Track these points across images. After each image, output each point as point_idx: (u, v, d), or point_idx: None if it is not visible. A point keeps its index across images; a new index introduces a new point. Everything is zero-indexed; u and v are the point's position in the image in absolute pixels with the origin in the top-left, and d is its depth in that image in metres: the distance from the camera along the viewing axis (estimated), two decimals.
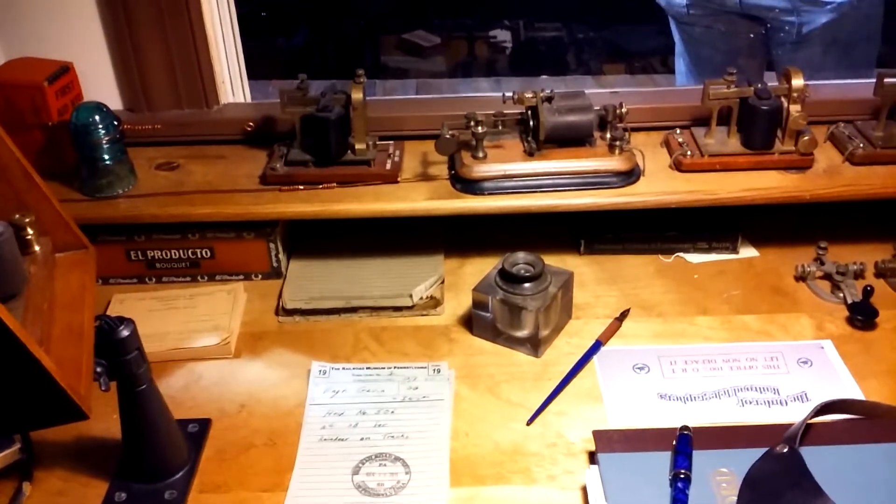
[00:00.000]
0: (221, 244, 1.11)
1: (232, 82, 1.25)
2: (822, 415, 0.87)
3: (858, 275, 1.10)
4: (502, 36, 3.32)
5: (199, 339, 1.01)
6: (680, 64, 1.96)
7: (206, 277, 1.13)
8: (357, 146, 1.10)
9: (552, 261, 1.15)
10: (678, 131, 1.15)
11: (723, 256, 1.16)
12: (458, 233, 1.19)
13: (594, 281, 1.13)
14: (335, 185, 1.08)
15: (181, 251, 1.11)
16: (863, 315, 1.02)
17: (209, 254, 1.11)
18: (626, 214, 1.10)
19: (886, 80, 1.09)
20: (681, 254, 1.16)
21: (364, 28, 3.04)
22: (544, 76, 3.62)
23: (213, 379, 0.98)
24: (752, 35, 1.79)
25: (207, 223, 1.09)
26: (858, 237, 1.17)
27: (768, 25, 1.74)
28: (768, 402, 0.92)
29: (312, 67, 2.97)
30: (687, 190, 1.07)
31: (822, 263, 1.11)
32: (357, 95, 1.06)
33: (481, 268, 1.12)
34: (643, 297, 1.09)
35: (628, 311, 1.06)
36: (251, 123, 1.17)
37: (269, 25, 2.70)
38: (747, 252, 1.17)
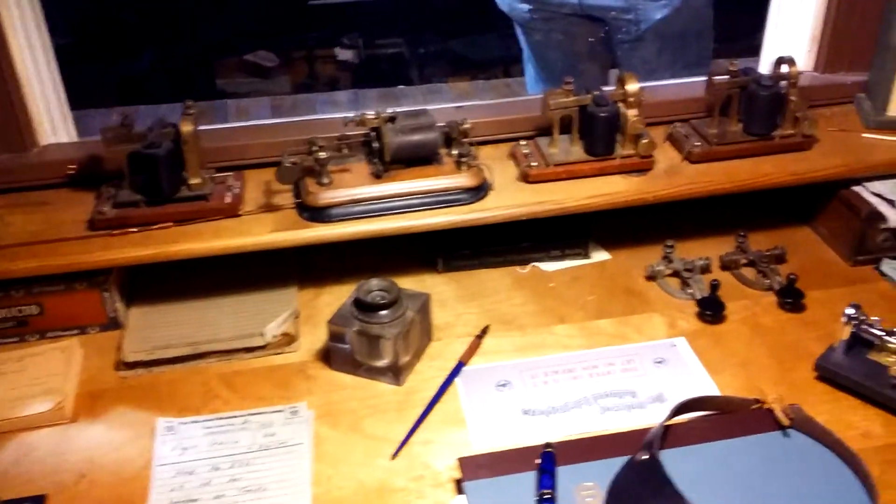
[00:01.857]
0: (51, 298, 1.02)
1: (53, 121, 1.15)
2: (679, 415, 0.89)
3: (705, 269, 1.13)
4: (348, 53, 3.31)
5: (29, 406, 0.92)
6: (529, 69, 1.98)
7: (36, 336, 1.04)
8: (192, 181, 1.03)
9: (412, 281, 1.14)
10: (523, 142, 1.15)
11: (576, 262, 1.17)
12: (312, 261, 1.15)
13: (454, 299, 1.11)
14: (171, 224, 1.02)
15: (5, 310, 1.01)
16: (711, 309, 1.04)
17: (38, 310, 1.02)
18: (482, 228, 1.09)
19: (716, 78, 1.13)
20: (536, 263, 1.17)
21: (204, 50, 2.96)
22: (402, 86, 3.63)
23: (48, 449, 0.89)
24: (594, 36, 1.83)
25: (33, 277, 1.00)
26: (704, 232, 1.21)
27: (608, 25, 1.78)
28: (628, 406, 0.93)
29: (155, 92, 2.84)
30: (535, 201, 1.07)
31: (671, 261, 1.13)
32: (187, 128, 1.00)
33: (339, 296, 1.08)
34: (502, 311, 1.09)
35: (488, 327, 1.05)
36: (73, 165, 1.08)
37: (107, 51, 2.56)
38: (599, 256, 1.18)
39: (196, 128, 1.02)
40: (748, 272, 1.13)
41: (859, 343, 0.95)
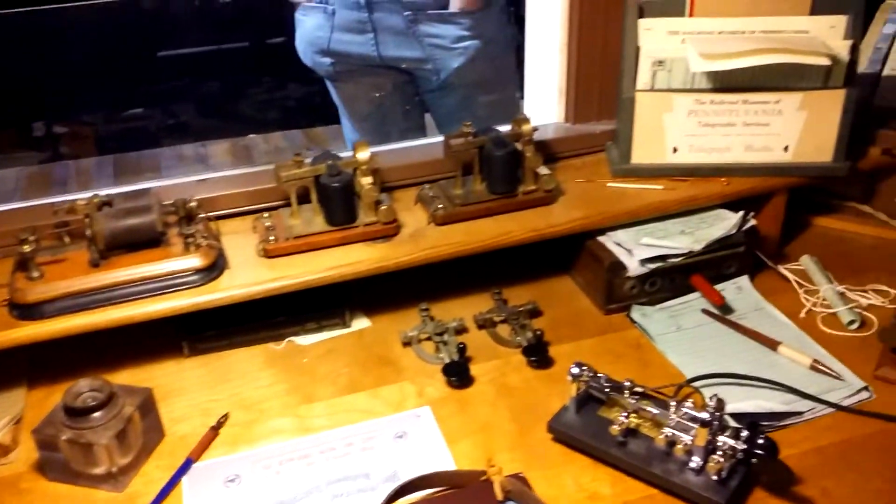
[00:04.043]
0: None
1: None
2: (404, 496, 0.86)
3: (461, 330, 1.11)
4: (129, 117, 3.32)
5: None
6: (344, 121, 1.96)
7: None
8: None
9: (156, 370, 1.08)
10: (266, 215, 1.12)
11: (335, 333, 1.13)
12: (44, 357, 1.07)
13: (197, 386, 1.06)
14: None
15: None
16: (455, 375, 1.02)
17: None
18: (231, 306, 1.04)
19: (452, 141, 1.13)
20: (292, 338, 1.12)
21: None
22: (251, 135, 3.57)
23: None
24: (399, 86, 1.83)
25: None
26: (468, 291, 1.20)
27: (411, 75, 1.78)
28: (359, 490, 0.89)
29: None
30: (273, 277, 1.03)
31: (426, 325, 1.11)
32: None
33: None
34: (247, 395, 1.03)
35: (227, 415, 0.99)
36: None
37: None
38: (360, 324, 1.15)
39: None
40: (503, 330, 1.13)
41: (592, 400, 0.95)
